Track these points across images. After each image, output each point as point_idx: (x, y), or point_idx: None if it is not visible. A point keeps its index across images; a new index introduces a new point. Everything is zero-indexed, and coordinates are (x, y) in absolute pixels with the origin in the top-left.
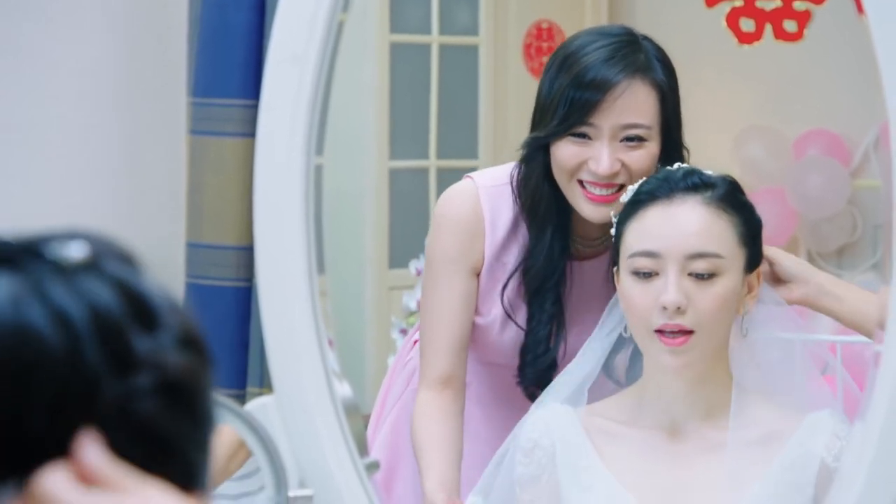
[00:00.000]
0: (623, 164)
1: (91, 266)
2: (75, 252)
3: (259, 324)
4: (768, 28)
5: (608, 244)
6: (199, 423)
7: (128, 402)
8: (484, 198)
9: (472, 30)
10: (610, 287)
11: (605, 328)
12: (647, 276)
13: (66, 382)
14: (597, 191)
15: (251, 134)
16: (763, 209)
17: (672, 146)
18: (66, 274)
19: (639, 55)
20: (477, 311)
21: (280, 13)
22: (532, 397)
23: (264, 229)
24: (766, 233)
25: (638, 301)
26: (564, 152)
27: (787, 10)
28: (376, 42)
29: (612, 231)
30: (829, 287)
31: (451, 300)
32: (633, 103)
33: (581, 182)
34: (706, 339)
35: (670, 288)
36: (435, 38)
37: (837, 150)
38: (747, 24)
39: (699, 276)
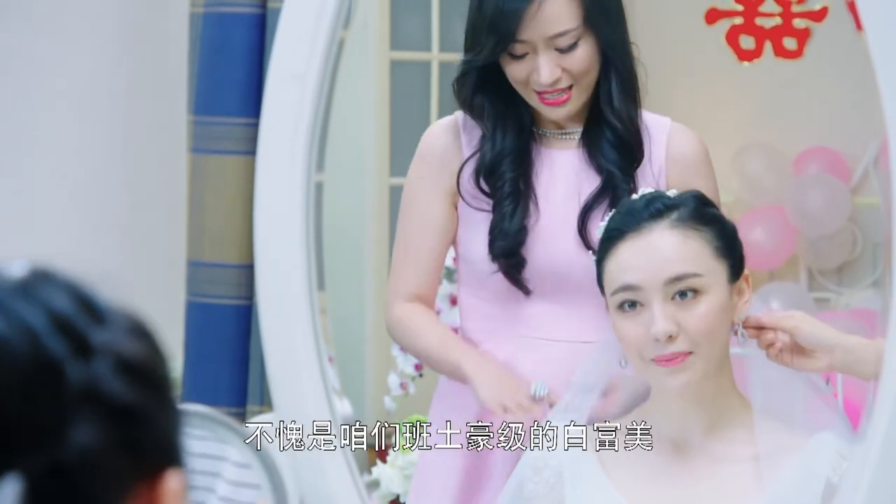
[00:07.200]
0: (563, 69)
1: (41, 278)
2: (17, 271)
3: (260, 342)
4: (768, 45)
5: (577, 140)
6: (164, 399)
7: (93, 385)
8: (462, 121)
9: None
10: (583, 182)
11: (596, 360)
12: (632, 307)
13: (33, 369)
14: (549, 97)
15: (252, 152)
16: (763, 227)
17: (611, 42)
18: (20, 287)
19: None
20: (463, 245)
21: (281, 31)
22: (517, 282)
23: (265, 247)
24: (767, 250)
25: (629, 335)
26: (511, 70)
27: (786, 28)
28: (376, 59)
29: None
30: (857, 353)
31: (424, 222)
32: (554, 13)
33: (535, 90)
34: (704, 356)
35: (657, 318)
36: (435, 56)
37: (838, 168)
38: (747, 42)
39: (683, 298)
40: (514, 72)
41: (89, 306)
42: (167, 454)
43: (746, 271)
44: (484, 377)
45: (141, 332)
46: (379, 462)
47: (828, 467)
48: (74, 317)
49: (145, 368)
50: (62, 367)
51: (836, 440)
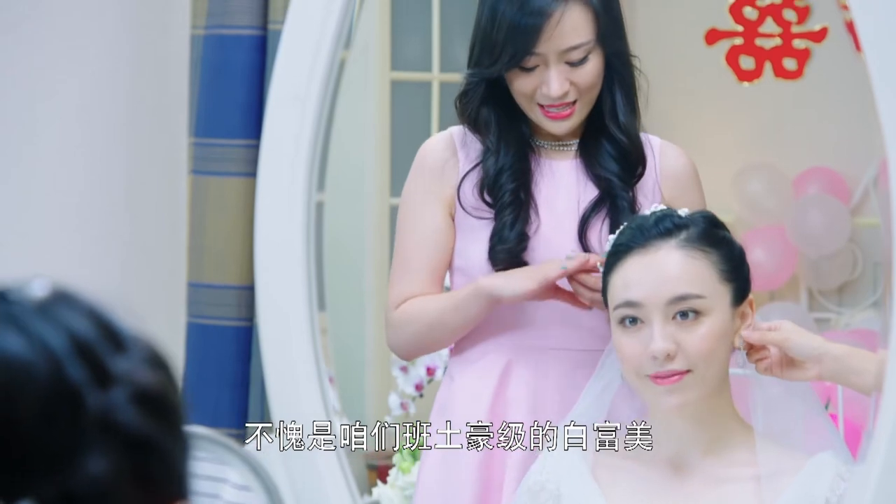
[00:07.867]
0: (572, 83)
1: (63, 299)
2: (39, 290)
3: (260, 363)
4: (768, 66)
5: (575, 151)
6: (176, 431)
7: (110, 415)
8: (458, 136)
9: None
10: (582, 191)
11: (600, 378)
12: (633, 323)
13: (52, 395)
14: (553, 110)
15: (253, 173)
16: (763, 247)
17: (617, 57)
18: (42, 307)
19: None
20: (460, 254)
21: (281, 53)
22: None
23: (265, 268)
24: (767, 271)
25: (628, 351)
26: (519, 82)
27: (786, 49)
28: (377, 79)
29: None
30: (846, 361)
31: (421, 233)
32: (571, 26)
33: (539, 104)
34: (701, 377)
35: (656, 336)
36: (435, 76)
37: (838, 188)
38: (747, 62)
39: (684, 318)
40: (522, 85)
41: (111, 332)
42: (176, 486)
43: (751, 296)
44: (506, 276)
45: (158, 361)
46: (379, 482)
47: (827, 488)
48: (96, 343)
49: (160, 400)
50: (81, 395)
51: (835, 461)
